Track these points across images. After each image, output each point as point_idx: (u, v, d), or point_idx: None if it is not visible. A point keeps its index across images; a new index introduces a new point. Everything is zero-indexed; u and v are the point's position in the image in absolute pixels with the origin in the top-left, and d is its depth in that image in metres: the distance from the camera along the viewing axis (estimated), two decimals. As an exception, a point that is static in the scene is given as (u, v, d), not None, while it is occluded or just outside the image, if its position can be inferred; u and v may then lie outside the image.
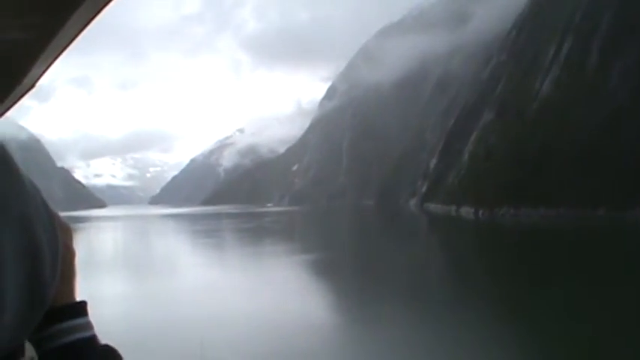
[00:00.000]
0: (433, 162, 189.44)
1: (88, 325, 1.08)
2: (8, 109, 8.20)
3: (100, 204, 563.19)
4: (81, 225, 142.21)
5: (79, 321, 1.06)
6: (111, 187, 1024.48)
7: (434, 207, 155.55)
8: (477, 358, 19.47)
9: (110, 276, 44.53)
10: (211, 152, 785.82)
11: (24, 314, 0.82)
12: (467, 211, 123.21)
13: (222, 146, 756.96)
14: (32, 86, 6.14)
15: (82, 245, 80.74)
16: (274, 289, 35.11)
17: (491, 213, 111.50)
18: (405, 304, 29.48)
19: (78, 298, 1.07)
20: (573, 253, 51.62)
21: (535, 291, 31.97)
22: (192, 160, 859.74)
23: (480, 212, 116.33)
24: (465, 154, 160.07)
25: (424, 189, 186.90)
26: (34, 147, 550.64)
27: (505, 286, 34.56)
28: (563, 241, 64.75)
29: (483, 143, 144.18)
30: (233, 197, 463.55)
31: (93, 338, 1.08)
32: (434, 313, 26.29)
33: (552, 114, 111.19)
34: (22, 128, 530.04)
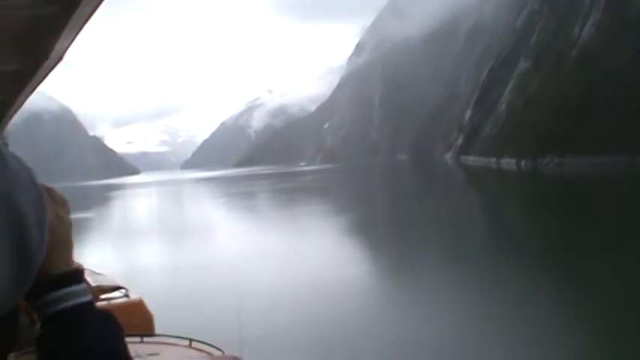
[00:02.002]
0: (468, 114, 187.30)
1: (85, 292, 1.13)
2: (39, 82, 7.80)
3: (134, 171, 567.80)
4: (116, 193, 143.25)
5: (76, 287, 1.11)
6: (143, 154, 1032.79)
7: (472, 159, 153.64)
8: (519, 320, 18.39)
9: (148, 243, 44.31)
10: (241, 114, 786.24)
11: (12, 279, 0.87)
12: (508, 163, 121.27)
13: (251, 107, 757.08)
14: (60, 59, 6.42)
15: (119, 214, 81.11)
16: (320, 253, 34.16)
17: (535, 163, 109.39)
18: (449, 268, 28.10)
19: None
20: (625, 204, 49.68)
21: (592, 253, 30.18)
22: (222, 124, 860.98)
23: (523, 163, 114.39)
24: (502, 105, 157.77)
25: (460, 141, 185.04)
26: (67, 118, 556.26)
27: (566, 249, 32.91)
28: (615, 191, 63.05)
29: (521, 93, 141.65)
30: (265, 158, 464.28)
31: (90, 303, 1.14)
32: (483, 279, 24.97)
33: (594, 60, 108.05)
34: (52, 100, 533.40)
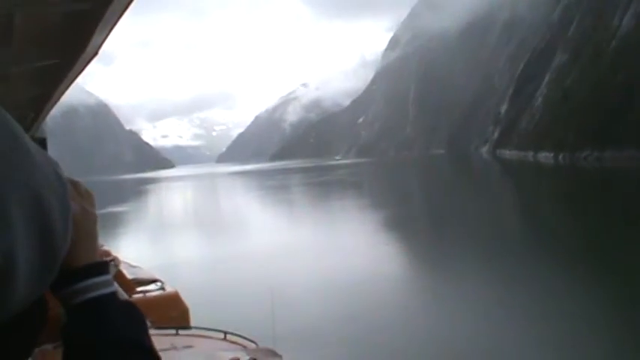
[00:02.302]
0: (504, 107, 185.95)
1: (109, 282, 1.16)
2: (76, 76, 7.95)
3: (169, 164, 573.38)
4: (150, 187, 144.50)
5: (101, 278, 1.14)
6: (178, 148, 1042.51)
7: (508, 153, 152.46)
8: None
9: (183, 236, 44.63)
10: (275, 108, 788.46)
11: (37, 271, 0.90)
12: (545, 156, 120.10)
13: (286, 101, 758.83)
14: (96, 53, 6.60)
15: (154, 207, 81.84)
16: (355, 247, 33.79)
17: (573, 157, 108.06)
18: (487, 264, 27.49)
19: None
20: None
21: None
22: (256, 117, 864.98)
23: (560, 156, 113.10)
24: (538, 98, 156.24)
25: (496, 135, 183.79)
26: (103, 112, 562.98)
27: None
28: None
29: (558, 86, 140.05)
30: (300, 152, 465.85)
31: (114, 294, 1.16)
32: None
33: (635, 51, 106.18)
34: (89, 94, 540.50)
